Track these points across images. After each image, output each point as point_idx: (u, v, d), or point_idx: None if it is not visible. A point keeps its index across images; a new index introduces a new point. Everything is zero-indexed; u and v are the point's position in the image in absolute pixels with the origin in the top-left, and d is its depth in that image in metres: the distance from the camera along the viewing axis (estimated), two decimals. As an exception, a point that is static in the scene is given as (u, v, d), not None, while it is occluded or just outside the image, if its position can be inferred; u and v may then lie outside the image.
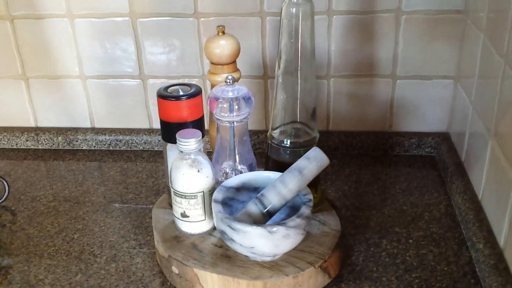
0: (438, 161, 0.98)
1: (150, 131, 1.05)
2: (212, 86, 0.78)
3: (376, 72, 0.97)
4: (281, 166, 0.72)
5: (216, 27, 0.75)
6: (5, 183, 0.90)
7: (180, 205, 0.71)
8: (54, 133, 1.06)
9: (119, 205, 0.89)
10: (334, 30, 0.94)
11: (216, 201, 0.67)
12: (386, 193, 0.90)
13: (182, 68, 0.99)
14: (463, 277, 0.72)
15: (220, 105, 0.71)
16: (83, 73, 1.02)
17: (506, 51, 0.71)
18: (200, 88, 0.74)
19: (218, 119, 0.72)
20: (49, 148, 1.08)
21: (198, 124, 0.74)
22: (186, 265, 0.68)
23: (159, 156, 1.03)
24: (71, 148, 1.07)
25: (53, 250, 0.79)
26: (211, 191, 0.70)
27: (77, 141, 1.06)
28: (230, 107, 0.71)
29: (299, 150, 0.74)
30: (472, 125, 0.86)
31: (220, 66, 0.75)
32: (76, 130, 1.07)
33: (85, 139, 1.06)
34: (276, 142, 0.75)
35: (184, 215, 0.71)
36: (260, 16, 0.94)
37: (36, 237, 0.82)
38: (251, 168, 0.76)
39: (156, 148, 1.05)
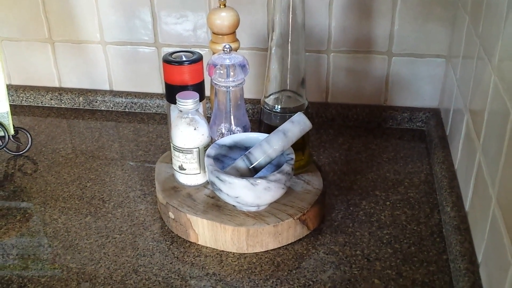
0: (427, 134, 1.04)
1: (162, 95, 1.14)
2: (214, 54, 0.86)
3: (373, 48, 1.03)
4: (272, 129, 0.80)
5: (219, 0, 0.83)
6: (29, 135, 1.00)
7: (178, 159, 0.79)
8: (76, 94, 1.16)
9: (129, 159, 0.99)
10: (335, 7, 1.01)
11: (208, 156, 0.76)
12: (373, 161, 0.97)
13: (194, 38, 1.08)
14: (430, 236, 0.79)
15: (218, 71, 0.79)
16: (103, 39, 1.11)
17: (481, 32, 0.77)
18: (201, 55, 0.82)
19: (215, 84, 0.80)
20: (71, 107, 1.18)
21: (198, 87, 0.82)
22: (181, 211, 0.77)
23: (170, 119, 1.12)
24: (90, 108, 1.17)
25: (67, 195, 0.89)
26: (206, 147, 0.79)
27: (96, 102, 1.16)
28: (227, 73, 0.79)
29: (287, 115, 0.82)
30: (456, 102, 0.92)
31: (220, 36, 0.83)
32: (96, 91, 1.16)
33: (104, 101, 1.15)
34: (268, 108, 0.83)
35: (181, 167, 0.80)
36: (266, -8, 1.01)
37: (53, 184, 0.92)
38: (245, 130, 0.84)
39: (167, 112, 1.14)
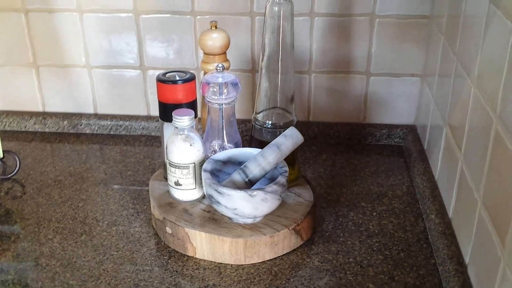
0: (405, 150, 1.09)
1: (148, 117, 1.16)
2: (205, 73, 0.89)
3: (352, 69, 1.08)
4: (263, 145, 0.83)
5: (209, 22, 0.87)
6: (17, 158, 1.01)
7: (174, 175, 0.82)
8: (60, 117, 1.17)
9: (119, 180, 1.00)
10: (315, 30, 1.06)
11: (205, 170, 0.79)
12: (356, 176, 1.01)
13: (179, 61, 1.11)
14: (417, 242, 0.83)
15: (211, 89, 0.82)
16: (89, 63, 1.13)
17: (457, 49, 0.83)
18: (194, 75, 0.85)
19: (209, 101, 0.83)
20: (55, 131, 1.18)
21: (191, 106, 0.85)
22: (179, 225, 0.79)
23: (156, 140, 1.14)
24: (75, 131, 1.18)
25: (60, 215, 0.90)
26: (201, 163, 0.82)
27: (81, 125, 1.17)
28: (220, 90, 0.82)
29: (278, 130, 0.85)
30: (433, 117, 0.97)
31: (212, 56, 0.87)
32: (80, 115, 1.17)
33: (89, 124, 1.17)
34: (259, 124, 0.86)
35: (177, 183, 0.82)
36: (250, 16, 1.05)
37: (44, 205, 0.93)
38: (236, 146, 0.87)
39: (153, 133, 1.16)
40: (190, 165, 0.81)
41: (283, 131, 0.83)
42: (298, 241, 0.81)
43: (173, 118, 0.79)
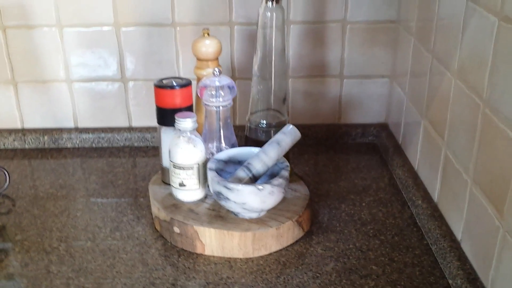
0: (379, 146, 1.17)
1: (130, 129, 1.18)
2: (198, 79, 0.92)
3: (327, 73, 1.15)
4: (257, 144, 0.88)
5: (202, 29, 0.91)
6: (6, 173, 1.00)
7: (178, 176, 0.85)
8: (40, 133, 1.17)
9: (111, 189, 1.01)
10: (291, 37, 1.12)
11: (211, 169, 0.82)
12: (340, 172, 1.07)
13: (160, 72, 1.13)
14: (407, 226, 0.89)
15: (208, 92, 0.86)
16: (69, 78, 1.14)
17: (432, 47, 0.90)
18: (190, 81, 0.89)
19: (206, 104, 0.87)
20: (35, 147, 1.18)
21: (188, 110, 0.88)
22: (187, 224, 0.82)
23: (140, 151, 1.16)
24: (56, 146, 1.18)
25: (60, 225, 0.91)
26: (204, 163, 0.85)
27: (62, 139, 1.17)
28: (217, 93, 0.86)
29: (272, 129, 0.90)
30: (407, 113, 1.05)
31: (205, 61, 0.91)
32: (61, 130, 1.18)
33: (70, 138, 1.17)
34: (254, 124, 0.91)
35: (182, 184, 0.85)
36: (229, 25, 1.10)
37: (42, 217, 0.93)
38: (233, 147, 0.91)
39: (136, 144, 1.18)
40: (195, 166, 0.84)
41: (276, 130, 0.88)
42: (300, 232, 0.86)
43: (176, 121, 0.83)
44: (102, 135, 1.17)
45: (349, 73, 1.15)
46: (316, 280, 0.77)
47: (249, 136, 0.92)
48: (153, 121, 1.16)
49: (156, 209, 0.87)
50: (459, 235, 0.79)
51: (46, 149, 1.17)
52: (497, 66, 0.67)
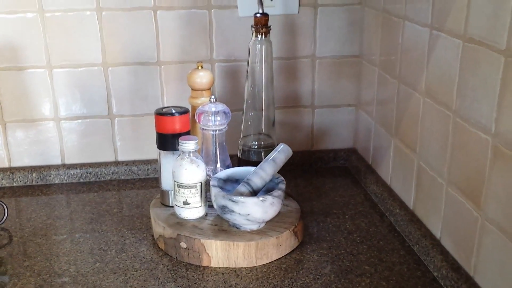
0: (350, 168, 1.27)
1: (117, 163, 1.23)
2: (193, 108, 1.01)
3: (300, 103, 1.26)
4: (249, 164, 0.96)
5: (196, 62, 1.00)
6: (4, 205, 1.03)
7: (182, 195, 0.91)
8: (28, 171, 1.20)
9: (108, 217, 1.06)
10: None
11: (214, 186, 0.90)
12: (319, 191, 1.16)
13: (146, 107, 1.21)
14: (389, 232, 0.99)
15: (206, 117, 0.94)
16: (57, 116, 1.19)
17: (398, 74, 1.03)
18: (188, 108, 0.97)
19: (204, 129, 0.95)
20: (24, 184, 1.21)
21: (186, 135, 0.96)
22: (194, 238, 0.88)
23: (127, 183, 1.21)
24: (44, 183, 1.21)
25: (66, 250, 0.94)
26: (205, 182, 0.92)
27: (50, 176, 1.21)
28: (214, 118, 0.94)
29: (262, 150, 0.99)
30: (375, 136, 1.17)
31: (199, 91, 0.99)
32: (49, 167, 1.21)
33: (58, 174, 1.21)
34: (246, 147, 0.99)
35: (186, 202, 0.92)
36: (210, 63, 1.19)
37: (45, 244, 0.97)
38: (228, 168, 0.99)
39: (122, 177, 1.23)
40: (198, 184, 0.91)
41: (267, 151, 0.97)
42: (296, 242, 0.94)
43: (179, 143, 0.90)
44: (90, 170, 1.22)
45: (319, 103, 1.27)
46: (318, 281, 0.85)
47: (242, 158, 1.00)
48: (139, 155, 1.23)
49: (161, 228, 0.93)
50: (438, 234, 0.90)
51: (34, 186, 1.21)
52: (465, 80, 0.79)
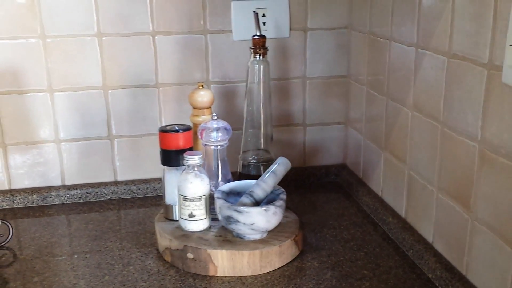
0: (342, 183, 1.33)
1: (116, 182, 1.27)
2: (194, 125, 1.05)
3: (292, 122, 1.32)
4: (249, 178, 1.01)
5: (197, 82, 1.05)
6: (9, 225, 1.06)
7: (188, 208, 0.95)
8: (28, 192, 1.23)
9: (112, 234, 1.09)
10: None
11: (218, 198, 0.94)
12: (313, 205, 1.21)
13: (144, 128, 1.25)
14: (383, 240, 1.05)
15: (208, 133, 0.99)
16: (57, 138, 1.22)
17: (386, 91, 1.10)
18: (190, 126, 1.02)
19: (206, 144, 1.00)
20: (24, 206, 1.23)
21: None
22: (200, 248, 0.92)
23: (127, 202, 1.25)
24: (44, 204, 1.24)
25: (73, 266, 0.97)
26: (209, 195, 0.97)
27: (50, 197, 1.24)
28: (216, 134, 0.99)
29: (261, 165, 1.04)
30: (365, 150, 1.23)
31: (201, 109, 1.04)
32: (49, 188, 1.24)
33: (58, 195, 1.24)
34: (246, 161, 1.04)
35: (191, 215, 0.96)
36: (206, 84, 1.25)
37: (52, 261, 0.99)
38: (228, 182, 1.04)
39: (122, 197, 1.27)
40: (203, 197, 0.95)
41: (266, 165, 1.02)
42: (296, 251, 0.98)
43: (185, 158, 0.95)
44: (90, 190, 1.25)
45: (310, 121, 1.33)
46: (320, 285, 0.90)
47: (242, 172, 1.05)
48: (137, 174, 1.27)
49: (168, 241, 0.97)
50: (430, 238, 0.95)
51: (35, 207, 1.23)
52: (451, 92, 0.86)
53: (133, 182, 1.27)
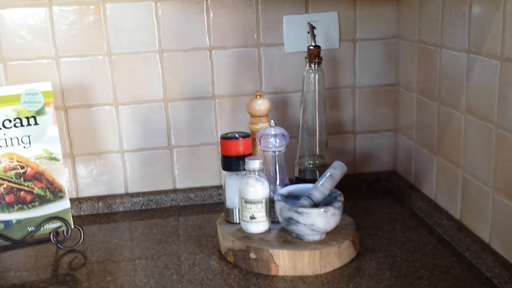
0: (393, 188, 1.36)
1: (175, 190, 1.33)
2: (252, 133, 1.11)
3: (342, 130, 1.36)
4: (306, 183, 1.05)
5: (255, 92, 1.11)
6: (80, 229, 1.13)
7: (249, 210, 1.00)
8: (95, 200, 1.30)
9: (175, 237, 1.15)
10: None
11: (278, 200, 0.99)
12: (367, 210, 1.25)
13: (202, 138, 1.31)
14: (439, 242, 1.07)
15: (266, 140, 1.04)
16: (122, 148, 1.30)
17: (437, 96, 1.13)
18: (249, 133, 1.07)
19: (265, 150, 1.05)
20: (90, 213, 1.30)
21: (249, 157, 1.06)
22: (262, 248, 0.97)
23: (186, 209, 1.31)
24: (109, 211, 1.31)
25: (141, 266, 1.03)
26: (269, 198, 1.01)
27: (115, 204, 1.31)
28: (274, 140, 1.04)
29: (316, 170, 1.08)
30: (417, 156, 1.26)
31: (258, 117, 1.10)
32: (113, 196, 1.31)
33: (122, 202, 1.31)
34: (302, 166, 1.09)
35: (252, 217, 1.01)
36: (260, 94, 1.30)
37: (122, 262, 1.05)
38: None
39: (181, 204, 1.33)
40: (263, 200, 1.00)
41: (321, 170, 1.06)
42: (354, 252, 1.02)
43: (246, 163, 1.00)
44: (151, 197, 1.32)
45: (360, 129, 1.36)
46: (380, 284, 0.93)
47: (298, 177, 1.10)
48: (195, 182, 1.33)
49: (231, 242, 1.01)
50: (487, 239, 0.97)
51: (100, 214, 1.30)
52: (505, 94, 0.88)
53: (191, 189, 1.33)
